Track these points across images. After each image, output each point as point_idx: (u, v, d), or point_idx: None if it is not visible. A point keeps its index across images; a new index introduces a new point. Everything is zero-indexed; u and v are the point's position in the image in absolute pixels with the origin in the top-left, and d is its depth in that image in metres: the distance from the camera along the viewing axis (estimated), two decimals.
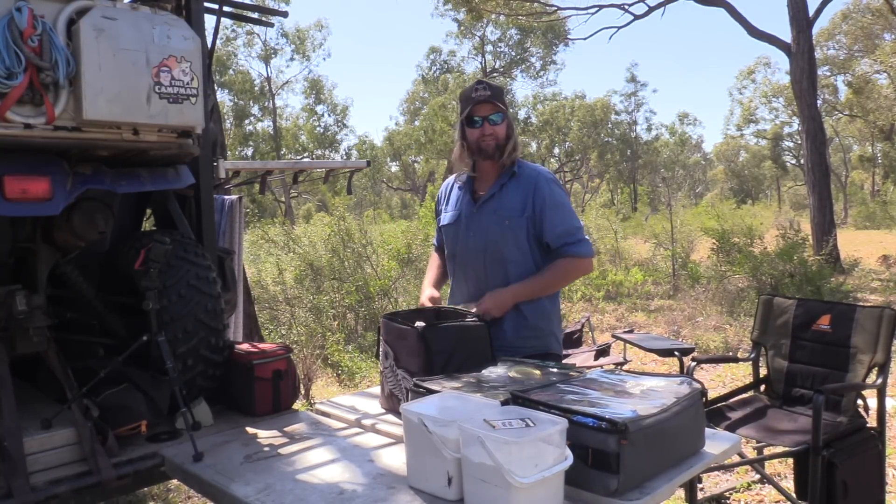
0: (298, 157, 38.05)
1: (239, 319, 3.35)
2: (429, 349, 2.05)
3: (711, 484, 3.51)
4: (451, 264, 2.53)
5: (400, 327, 2.14)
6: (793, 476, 3.01)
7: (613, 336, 4.58)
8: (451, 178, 2.60)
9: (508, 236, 2.33)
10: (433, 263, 2.69)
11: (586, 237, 2.37)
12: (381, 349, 2.25)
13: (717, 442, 1.79)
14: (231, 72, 35.60)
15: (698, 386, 1.74)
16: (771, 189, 53.81)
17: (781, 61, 43.83)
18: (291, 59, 38.70)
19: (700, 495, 3.23)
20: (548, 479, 1.36)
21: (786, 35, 13.26)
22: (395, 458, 1.82)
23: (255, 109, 38.53)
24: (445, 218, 2.54)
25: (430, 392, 1.78)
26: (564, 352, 4.37)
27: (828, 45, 32.74)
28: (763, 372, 3.39)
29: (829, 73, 34.42)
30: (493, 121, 2.34)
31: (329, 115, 40.14)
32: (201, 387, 2.37)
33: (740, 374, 5.63)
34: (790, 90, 19.36)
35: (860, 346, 3.01)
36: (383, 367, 2.23)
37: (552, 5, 17.37)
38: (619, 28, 16.31)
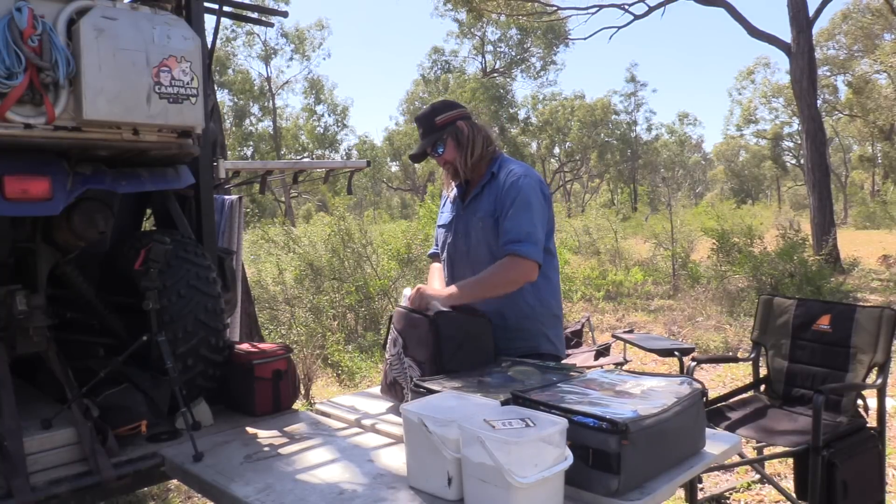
0: (298, 157, 38.06)
1: (237, 319, 3.35)
2: (439, 335, 2.05)
3: (711, 484, 3.51)
4: (445, 265, 2.53)
5: (412, 315, 2.16)
6: (793, 476, 3.01)
7: (613, 336, 4.58)
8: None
9: (482, 239, 2.32)
10: (434, 271, 2.60)
11: (536, 244, 2.22)
12: (389, 337, 2.26)
13: (717, 442, 1.79)
14: (231, 72, 35.62)
15: (698, 386, 1.73)
16: (771, 189, 53.81)
17: (781, 61, 43.95)
18: (291, 59, 38.78)
19: (700, 495, 3.23)
20: (548, 479, 1.36)
21: (786, 35, 13.28)
22: (395, 458, 1.82)
23: (255, 109, 38.58)
24: (441, 218, 2.56)
25: (431, 392, 1.79)
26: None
27: (828, 45, 32.76)
28: (763, 372, 3.39)
29: (829, 73, 34.43)
30: (438, 152, 2.37)
31: (329, 115, 40.21)
32: (201, 387, 2.37)
33: (740, 374, 5.63)
34: (790, 90, 19.37)
35: (860, 346, 3.01)
36: (389, 355, 2.24)
37: (552, 5, 17.39)
38: (619, 28, 16.33)
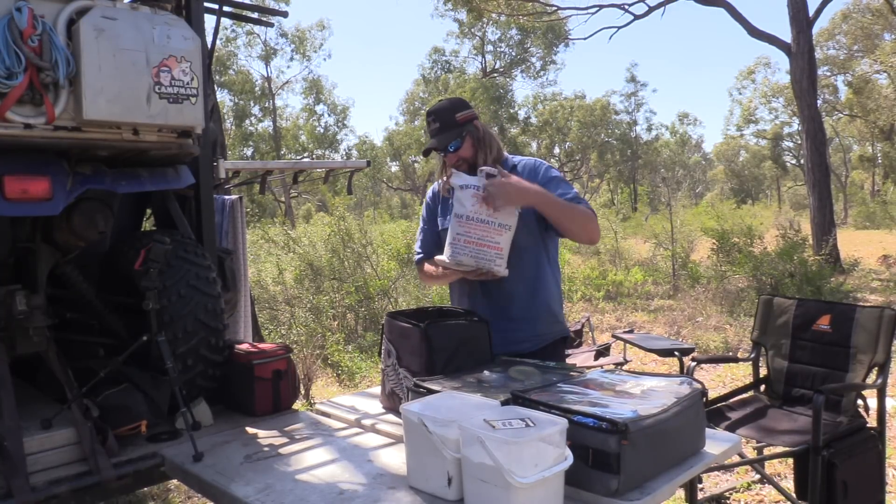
0: (298, 157, 38.03)
1: (248, 319, 3.34)
2: (431, 347, 2.05)
3: (711, 484, 3.51)
4: None
5: (403, 326, 2.14)
6: (793, 476, 3.01)
7: (613, 336, 4.58)
8: (439, 182, 2.49)
9: (518, 222, 2.26)
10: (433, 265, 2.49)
11: None
12: (383, 347, 2.25)
13: (717, 442, 1.79)
14: (231, 72, 35.58)
15: (698, 386, 1.73)
16: (771, 189, 53.80)
17: (781, 61, 43.93)
18: (291, 59, 38.76)
19: (700, 495, 3.23)
20: (548, 479, 1.36)
21: (786, 35, 13.29)
22: (395, 458, 1.82)
23: (255, 109, 38.52)
24: (447, 221, 2.46)
25: (431, 392, 1.79)
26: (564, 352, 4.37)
27: (828, 45, 32.76)
28: (763, 372, 3.39)
29: (829, 73, 34.43)
30: (451, 149, 2.31)
31: (329, 116, 40.19)
32: (201, 387, 2.37)
33: (740, 374, 5.63)
34: (790, 90, 19.37)
35: (860, 346, 3.01)
36: (385, 366, 2.23)
37: (552, 5, 17.38)
38: (619, 28, 16.34)
